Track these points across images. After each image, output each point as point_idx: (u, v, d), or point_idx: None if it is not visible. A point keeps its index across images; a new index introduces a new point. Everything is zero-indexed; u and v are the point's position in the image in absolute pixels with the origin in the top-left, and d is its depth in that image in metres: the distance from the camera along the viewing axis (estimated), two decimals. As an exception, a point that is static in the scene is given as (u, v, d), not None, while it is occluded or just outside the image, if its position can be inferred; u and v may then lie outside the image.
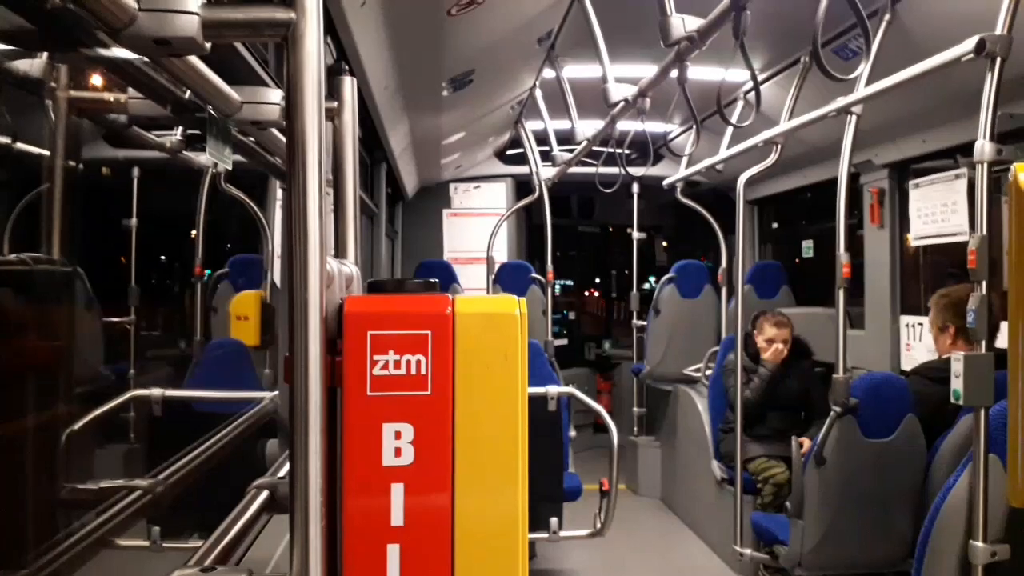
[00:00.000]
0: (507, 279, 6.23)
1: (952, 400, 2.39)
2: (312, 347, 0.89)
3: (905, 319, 4.15)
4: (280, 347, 2.19)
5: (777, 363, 4.24)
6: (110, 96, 1.54)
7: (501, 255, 6.60)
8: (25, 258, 1.38)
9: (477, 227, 6.71)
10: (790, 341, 4.29)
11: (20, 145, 1.70)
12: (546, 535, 3.02)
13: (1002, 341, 2.67)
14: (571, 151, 4.76)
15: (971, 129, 2.39)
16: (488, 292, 6.06)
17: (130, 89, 1.52)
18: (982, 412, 2.33)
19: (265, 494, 1.29)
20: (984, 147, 2.32)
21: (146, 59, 1.26)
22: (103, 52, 1.21)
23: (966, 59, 2.35)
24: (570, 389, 3.22)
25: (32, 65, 1.41)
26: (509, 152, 6.73)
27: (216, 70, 1.31)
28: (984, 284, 2.34)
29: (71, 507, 1.51)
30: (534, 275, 6.29)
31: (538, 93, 4.67)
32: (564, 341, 7.18)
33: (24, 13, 1.09)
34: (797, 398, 4.29)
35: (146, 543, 1.86)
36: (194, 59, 1.21)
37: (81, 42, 1.20)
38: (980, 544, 2.30)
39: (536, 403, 2.98)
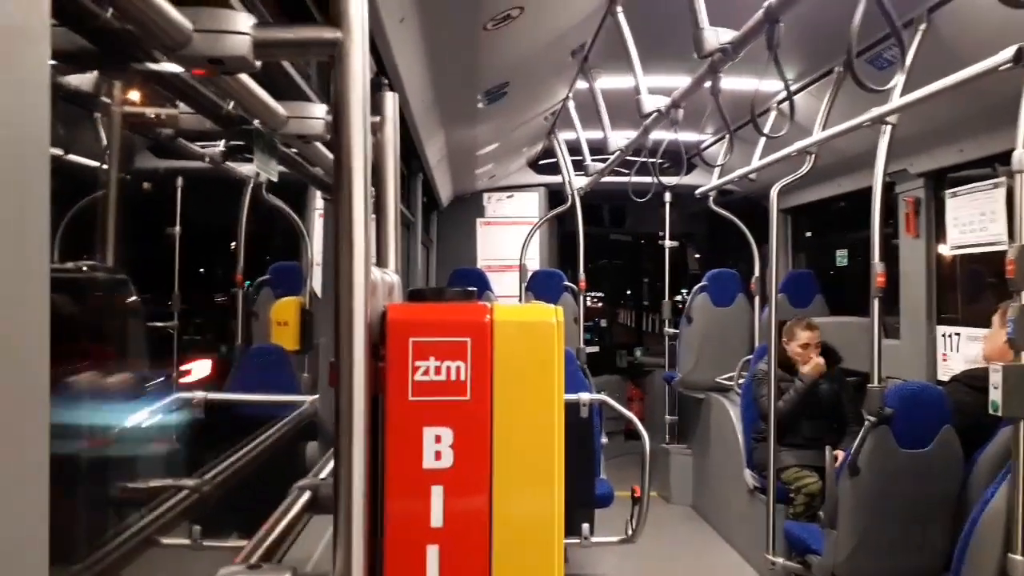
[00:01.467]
0: (539, 287, 6.26)
1: (990, 411, 2.36)
2: (357, 353, 0.92)
3: (941, 329, 4.09)
4: (321, 352, 2.23)
5: (816, 377, 4.19)
6: (162, 111, 1.60)
7: (534, 263, 6.64)
8: (81, 265, 1.45)
9: (510, 235, 6.76)
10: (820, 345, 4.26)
11: (74, 157, 1.77)
12: (578, 540, 3.03)
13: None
14: (604, 161, 4.78)
15: (1009, 138, 2.37)
16: (521, 300, 6.09)
17: (180, 104, 1.57)
18: (1021, 424, 2.30)
19: (307, 495, 1.33)
20: (1022, 157, 2.30)
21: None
22: (157, 68, 1.27)
23: (1004, 68, 2.33)
24: (602, 396, 3.23)
25: (89, 83, 1.47)
26: (542, 162, 6.76)
27: (262, 85, 1.36)
28: (1024, 294, 2.31)
29: (120, 505, 1.57)
30: (566, 283, 6.31)
31: (571, 104, 4.70)
32: (596, 348, 7.19)
33: (86, 34, 1.14)
34: (830, 406, 4.24)
35: (188, 541, 1.92)
36: (243, 75, 1.26)
37: (137, 61, 1.25)
38: (1019, 558, 2.28)
39: (568, 410, 2.98)
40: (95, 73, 1.57)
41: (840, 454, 3.59)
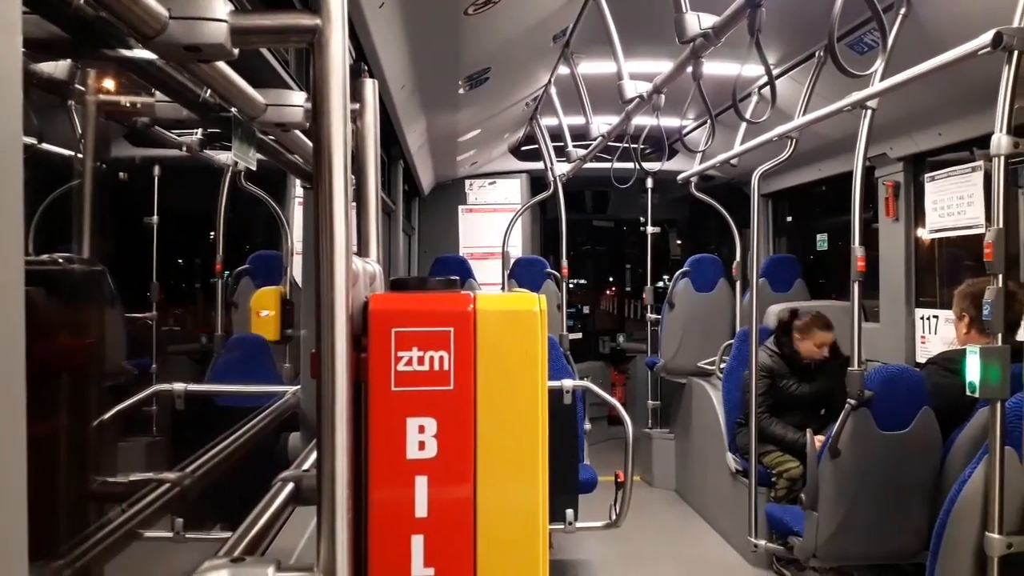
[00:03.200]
0: (522, 274, 6.26)
1: (968, 392, 2.39)
2: (339, 344, 0.91)
3: (920, 312, 4.14)
4: (303, 343, 2.22)
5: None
6: (137, 99, 1.57)
7: (516, 250, 6.63)
8: (56, 258, 1.42)
9: (492, 223, 6.74)
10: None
11: (48, 146, 1.74)
12: (562, 526, 3.05)
13: (1020, 334, 2.67)
14: (586, 147, 4.78)
15: (988, 122, 2.39)
16: (503, 287, 6.09)
17: (156, 92, 1.55)
18: (998, 404, 2.33)
19: (290, 486, 1.32)
20: (1001, 140, 2.31)
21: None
22: (131, 56, 1.24)
23: (983, 52, 2.34)
24: (585, 383, 3.24)
25: (63, 71, 1.44)
26: (524, 148, 6.74)
27: (239, 72, 1.34)
28: (1001, 277, 2.34)
29: (101, 500, 1.55)
30: (549, 270, 6.31)
31: (553, 90, 4.68)
32: (578, 335, 7.21)
33: (59, 22, 1.11)
34: (823, 399, 4.25)
35: (170, 534, 1.91)
36: (220, 63, 1.24)
37: (112, 48, 1.23)
38: (996, 536, 2.31)
39: (552, 396, 2.99)
40: (76, 64, 1.54)
41: (819, 440, 3.62)
